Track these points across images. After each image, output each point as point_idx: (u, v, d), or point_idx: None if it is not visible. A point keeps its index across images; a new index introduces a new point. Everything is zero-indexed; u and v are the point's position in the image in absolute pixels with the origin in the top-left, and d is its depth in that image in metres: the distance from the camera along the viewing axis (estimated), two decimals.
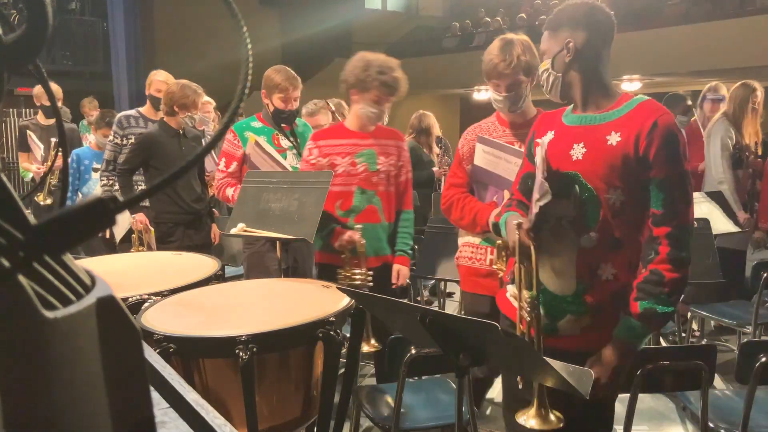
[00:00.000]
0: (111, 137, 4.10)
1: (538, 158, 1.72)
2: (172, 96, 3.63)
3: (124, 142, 4.05)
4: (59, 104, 5.07)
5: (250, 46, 0.40)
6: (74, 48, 12.35)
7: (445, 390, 2.59)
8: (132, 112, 4.19)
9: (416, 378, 2.71)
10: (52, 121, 5.12)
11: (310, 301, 1.92)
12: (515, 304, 1.77)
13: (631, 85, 13.09)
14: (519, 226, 1.67)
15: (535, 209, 1.65)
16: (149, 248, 3.56)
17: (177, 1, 13.42)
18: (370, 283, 2.60)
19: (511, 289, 1.86)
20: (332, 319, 1.67)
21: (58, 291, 0.34)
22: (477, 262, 2.48)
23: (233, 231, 2.55)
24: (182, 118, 3.64)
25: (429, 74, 15.40)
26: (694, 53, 10.50)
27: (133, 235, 3.64)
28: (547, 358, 1.28)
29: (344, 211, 2.73)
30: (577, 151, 1.72)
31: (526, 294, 1.69)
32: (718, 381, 3.31)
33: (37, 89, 5.08)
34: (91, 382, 0.35)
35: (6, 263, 0.30)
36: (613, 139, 1.67)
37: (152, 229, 3.57)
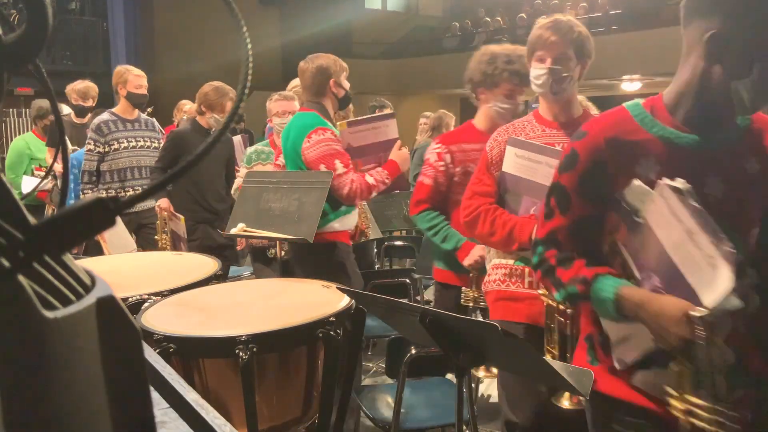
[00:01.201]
0: (91, 146, 3.94)
1: (684, 214, 1.19)
2: (205, 96, 3.65)
3: (107, 149, 3.94)
4: (92, 104, 4.88)
5: (250, 46, 0.40)
6: (74, 48, 12.36)
7: (445, 390, 2.59)
8: (107, 116, 4.04)
9: (416, 378, 2.72)
10: (84, 119, 4.87)
11: (310, 301, 1.92)
12: (679, 413, 1.25)
13: (631, 85, 13.09)
14: (701, 320, 1.15)
15: (723, 300, 1.14)
16: (174, 236, 3.43)
17: (177, 1, 13.42)
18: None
19: (657, 380, 1.31)
20: (332, 319, 1.67)
21: (58, 291, 0.34)
22: (512, 284, 2.13)
23: (233, 231, 2.55)
24: (209, 118, 3.65)
25: (429, 74, 15.43)
26: None
27: (158, 222, 3.58)
28: (546, 358, 1.28)
29: None
30: (714, 187, 1.29)
31: (703, 402, 1.21)
32: None
33: (69, 88, 4.80)
34: (91, 382, 0.35)
35: (6, 263, 0.30)
36: (752, 167, 1.31)
37: (181, 216, 3.40)
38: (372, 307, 1.82)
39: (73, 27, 12.45)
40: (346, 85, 2.93)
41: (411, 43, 17.40)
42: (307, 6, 15.05)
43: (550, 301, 1.88)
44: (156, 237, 3.59)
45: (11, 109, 11.72)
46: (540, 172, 2.02)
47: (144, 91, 4.06)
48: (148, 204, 3.93)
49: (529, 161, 2.04)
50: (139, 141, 4.08)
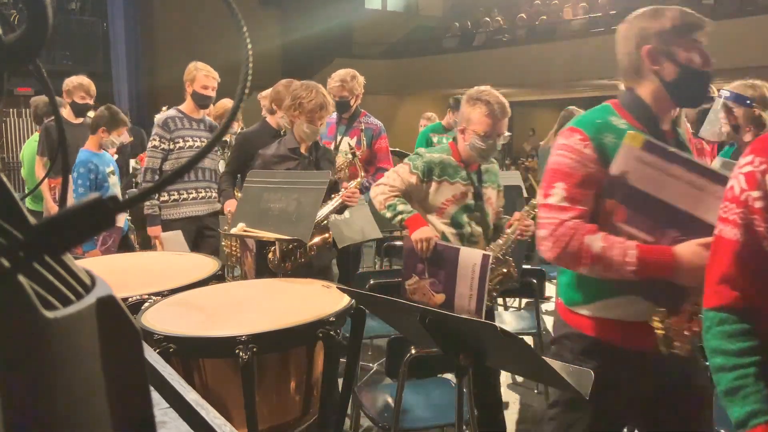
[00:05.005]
0: (156, 142, 3.73)
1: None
2: (276, 94, 3.44)
3: (171, 146, 3.74)
4: (89, 102, 4.66)
5: (250, 46, 0.40)
6: (74, 48, 12.36)
7: (445, 390, 2.59)
8: (173, 112, 3.85)
9: (416, 378, 2.72)
10: (82, 119, 4.65)
11: (310, 301, 1.92)
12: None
13: None
14: None
15: None
16: (242, 243, 3.22)
17: (177, 1, 13.43)
18: None
19: None
20: (332, 319, 1.67)
21: (58, 291, 0.34)
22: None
23: (233, 231, 2.54)
24: (279, 117, 3.44)
25: (429, 74, 15.43)
26: None
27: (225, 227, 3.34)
28: (546, 358, 1.28)
29: None
30: None
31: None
32: None
33: (72, 85, 4.52)
34: (91, 382, 0.35)
35: (6, 263, 0.30)
36: None
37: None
38: (372, 307, 1.82)
39: (73, 27, 12.45)
40: (697, 59, 1.66)
41: (411, 43, 17.39)
42: (307, 6, 15.05)
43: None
44: (224, 241, 3.35)
45: (11, 109, 11.73)
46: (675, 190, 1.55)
47: (210, 93, 3.85)
48: (210, 208, 3.83)
49: (660, 172, 1.56)
50: (204, 142, 3.84)
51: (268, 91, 3.82)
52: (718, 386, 1.34)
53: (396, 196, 2.50)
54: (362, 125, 3.80)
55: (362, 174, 3.06)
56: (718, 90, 3.25)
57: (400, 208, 2.47)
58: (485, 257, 2.32)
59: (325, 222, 2.79)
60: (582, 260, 1.57)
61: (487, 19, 15.92)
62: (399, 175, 2.54)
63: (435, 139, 5.56)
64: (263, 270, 2.66)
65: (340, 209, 2.85)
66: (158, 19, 13.43)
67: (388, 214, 2.50)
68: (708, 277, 1.34)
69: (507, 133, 2.56)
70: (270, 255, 2.61)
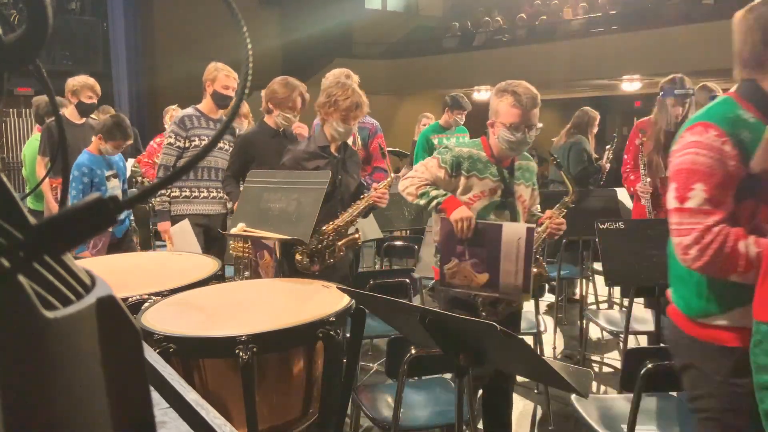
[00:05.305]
0: (172, 139, 3.71)
1: None
2: (272, 93, 3.37)
3: (187, 144, 3.70)
4: (95, 101, 4.56)
5: (250, 46, 0.40)
6: (74, 48, 12.35)
7: (445, 390, 2.59)
8: (191, 110, 3.81)
9: (416, 378, 2.72)
10: (84, 119, 4.55)
11: (310, 301, 1.92)
12: None
13: (631, 85, 13.09)
14: None
15: None
16: (256, 243, 3.05)
17: (177, 1, 13.43)
18: None
19: None
20: (332, 319, 1.67)
21: (58, 291, 0.34)
22: None
23: (233, 231, 2.55)
24: (276, 116, 3.37)
25: (429, 74, 15.43)
26: (694, 53, 10.51)
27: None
28: (545, 358, 1.28)
29: None
30: None
31: None
32: None
33: (80, 85, 4.38)
34: (91, 382, 0.35)
35: (6, 263, 0.30)
36: None
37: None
38: (372, 307, 1.82)
39: (73, 27, 12.43)
40: None
41: (411, 43, 17.39)
42: (307, 6, 15.05)
43: None
44: (232, 244, 3.15)
45: (11, 109, 11.73)
46: None
47: (230, 93, 3.80)
48: (222, 209, 3.79)
49: None
50: (223, 142, 3.77)
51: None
52: (761, 404, 1.28)
53: (426, 185, 2.48)
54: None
55: (392, 175, 3.00)
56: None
57: (434, 193, 2.44)
58: (530, 230, 2.28)
59: (355, 223, 2.76)
60: (738, 267, 1.45)
61: (487, 19, 15.91)
62: (427, 168, 2.51)
63: (435, 141, 5.54)
64: (285, 270, 2.63)
65: (367, 211, 2.82)
66: (158, 19, 13.43)
67: (422, 202, 2.46)
68: (762, 287, 1.25)
69: (539, 124, 2.46)
70: (298, 256, 2.60)
